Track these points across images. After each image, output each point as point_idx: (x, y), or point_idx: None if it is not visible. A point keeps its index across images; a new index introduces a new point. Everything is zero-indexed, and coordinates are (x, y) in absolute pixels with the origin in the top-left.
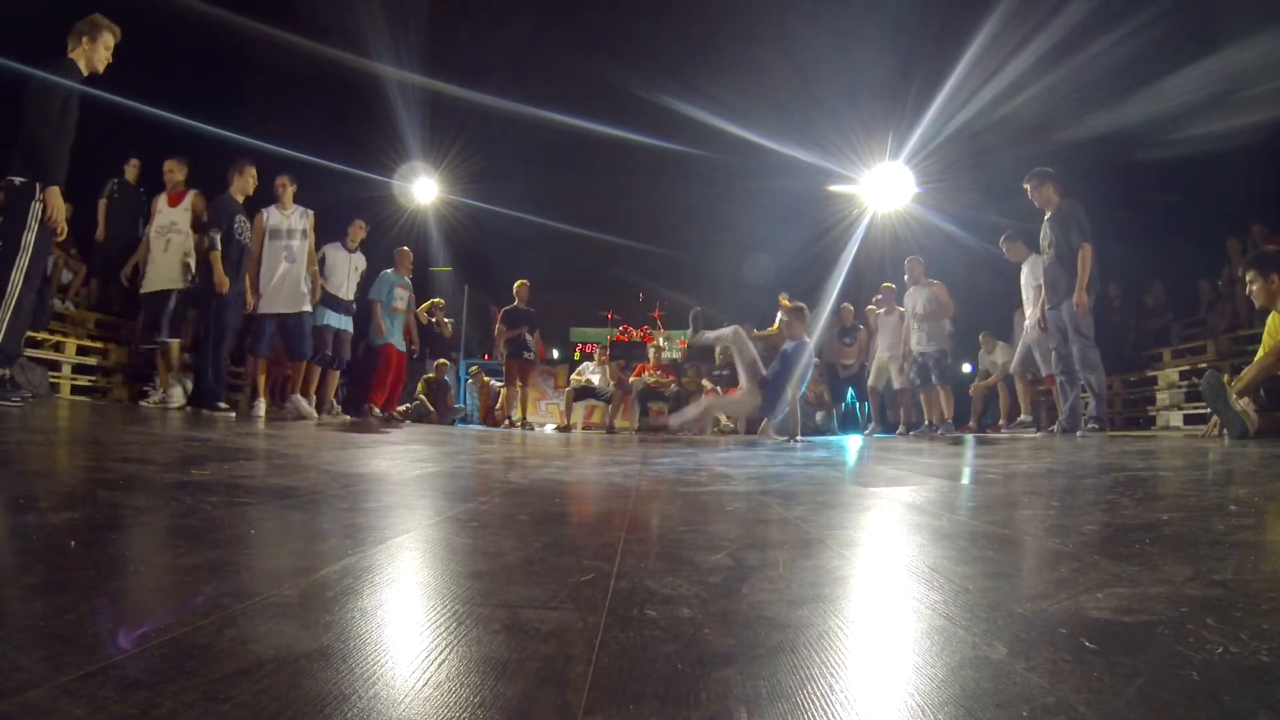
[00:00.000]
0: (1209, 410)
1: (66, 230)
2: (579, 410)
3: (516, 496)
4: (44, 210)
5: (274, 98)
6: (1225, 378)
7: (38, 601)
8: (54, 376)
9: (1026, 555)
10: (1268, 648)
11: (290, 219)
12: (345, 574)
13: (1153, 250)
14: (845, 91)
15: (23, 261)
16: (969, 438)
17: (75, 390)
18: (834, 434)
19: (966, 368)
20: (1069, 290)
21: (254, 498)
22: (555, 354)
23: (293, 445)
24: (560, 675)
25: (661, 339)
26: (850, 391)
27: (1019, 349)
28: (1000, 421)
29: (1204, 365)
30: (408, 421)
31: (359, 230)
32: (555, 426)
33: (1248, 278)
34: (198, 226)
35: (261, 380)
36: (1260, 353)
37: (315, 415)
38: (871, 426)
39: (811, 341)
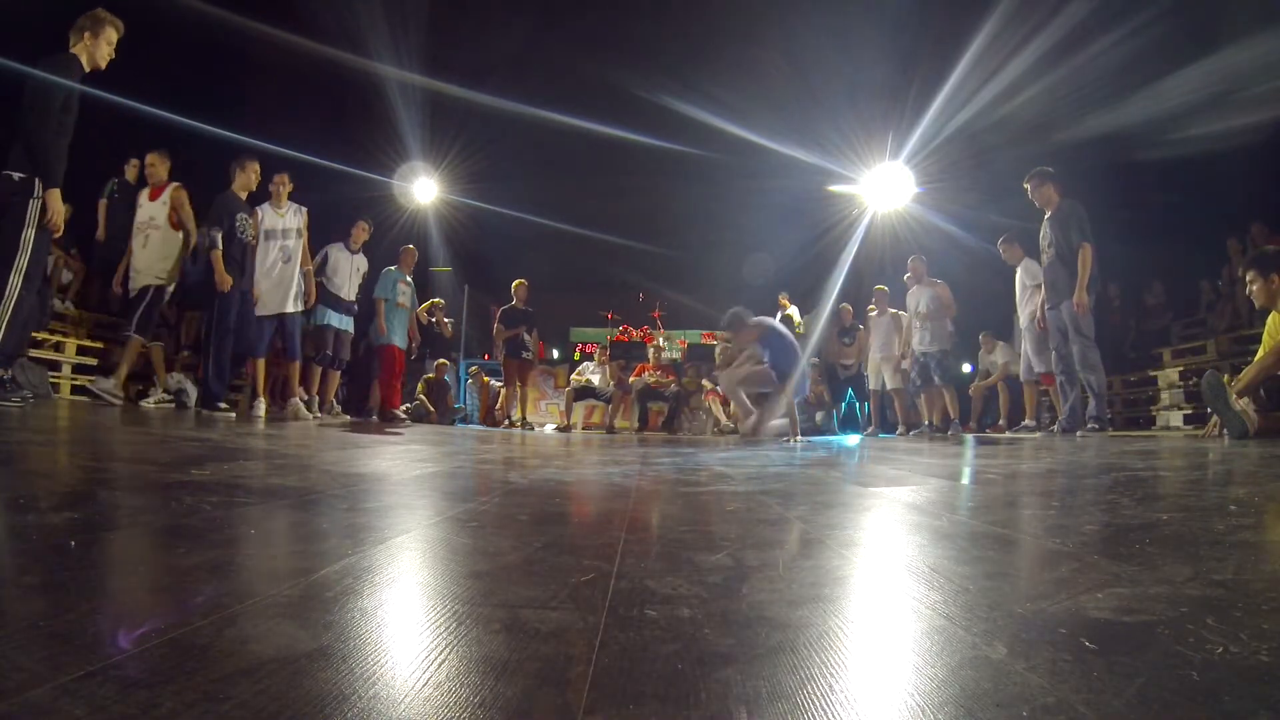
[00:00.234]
0: (1209, 410)
1: (63, 229)
2: (579, 410)
3: (516, 496)
4: (44, 211)
5: (274, 97)
6: (1225, 378)
7: (38, 601)
8: (54, 376)
9: (1026, 555)
10: (1268, 648)
11: (285, 217)
12: (345, 574)
13: (1153, 250)
14: (845, 91)
15: (21, 261)
16: (969, 437)
17: (75, 390)
18: (834, 434)
19: (966, 368)
20: (1069, 290)
21: (254, 498)
22: (555, 354)
23: (293, 445)
24: (560, 675)
25: (661, 339)
26: (850, 391)
27: (1023, 355)
28: (1001, 422)
29: (1204, 365)
30: (408, 421)
31: (362, 231)
32: (555, 426)
33: (1248, 278)
34: (176, 222)
35: (261, 380)
36: (1260, 353)
37: (310, 416)
38: (871, 427)
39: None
